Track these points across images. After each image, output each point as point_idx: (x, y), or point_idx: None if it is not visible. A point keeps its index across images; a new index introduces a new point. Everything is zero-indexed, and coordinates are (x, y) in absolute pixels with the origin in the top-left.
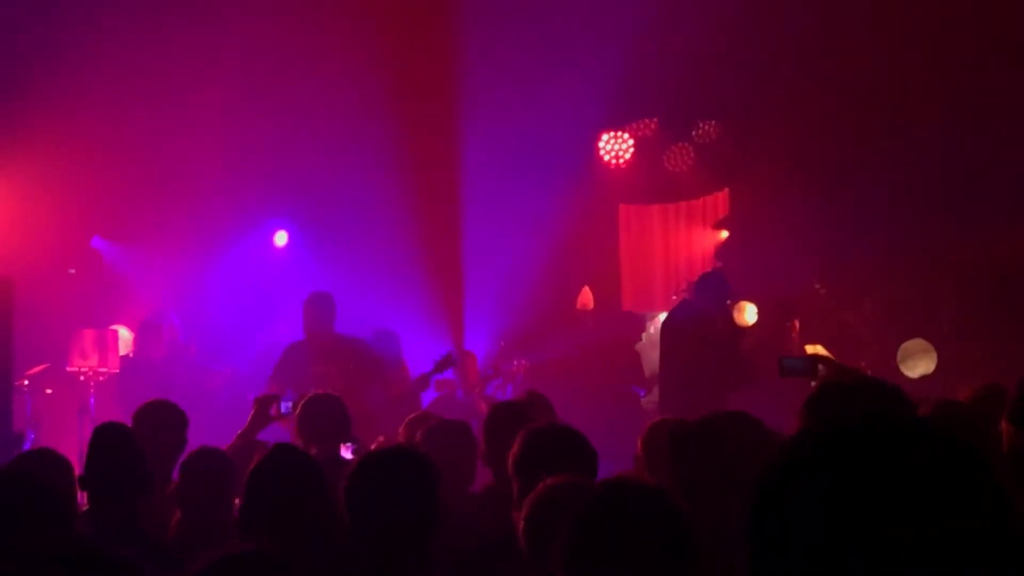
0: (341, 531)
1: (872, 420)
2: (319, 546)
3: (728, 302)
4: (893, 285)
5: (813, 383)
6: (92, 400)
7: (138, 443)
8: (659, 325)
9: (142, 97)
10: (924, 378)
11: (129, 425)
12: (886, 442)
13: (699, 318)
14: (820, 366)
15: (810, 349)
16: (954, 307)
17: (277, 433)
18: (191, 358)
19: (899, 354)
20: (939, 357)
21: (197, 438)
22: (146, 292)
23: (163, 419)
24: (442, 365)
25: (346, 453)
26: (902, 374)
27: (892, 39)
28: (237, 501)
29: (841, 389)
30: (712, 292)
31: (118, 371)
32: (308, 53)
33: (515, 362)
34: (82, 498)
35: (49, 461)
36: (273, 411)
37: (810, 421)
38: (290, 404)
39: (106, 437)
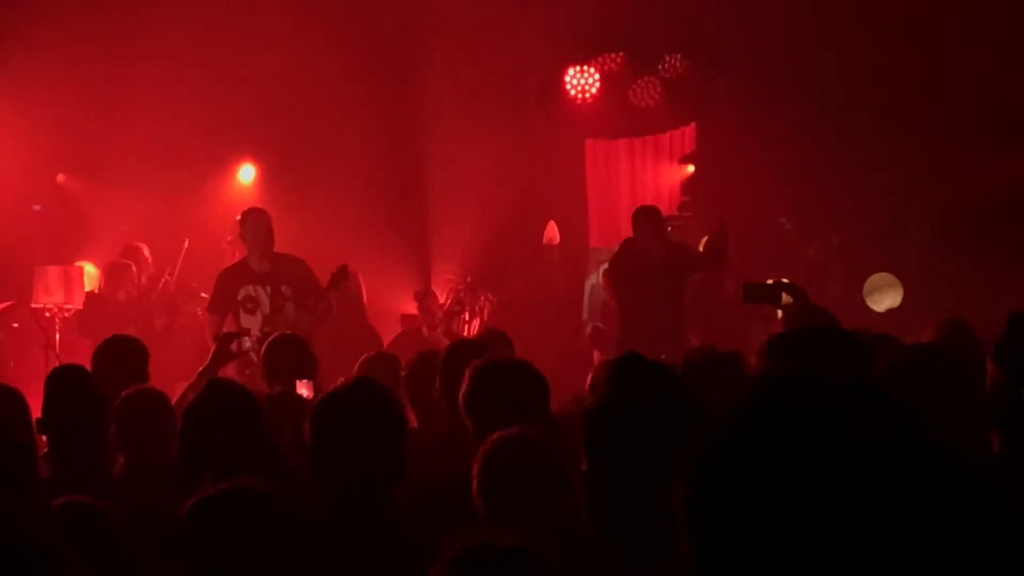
0: (282, 468)
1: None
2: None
3: (668, 231)
4: (861, 219)
5: (779, 311)
6: (58, 337)
7: (99, 381)
8: None
9: (108, 30)
10: (890, 312)
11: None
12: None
13: (639, 254)
14: (784, 294)
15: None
16: (923, 241)
17: None
18: (161, 295)
19: (865, 287)
20: (906, 291)
21: (165, 376)
22: (112, 229)
23: (122, 354)
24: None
25: (302, 390)
26: (868, 308)
27: None
28: None
29: (795, 338)
30: (649, 226)
31: (83, 307)
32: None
33: (481, 297)
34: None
35: (3, 397)
36: (235, 347)
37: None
38: (250, 341)
39: (62, 379)
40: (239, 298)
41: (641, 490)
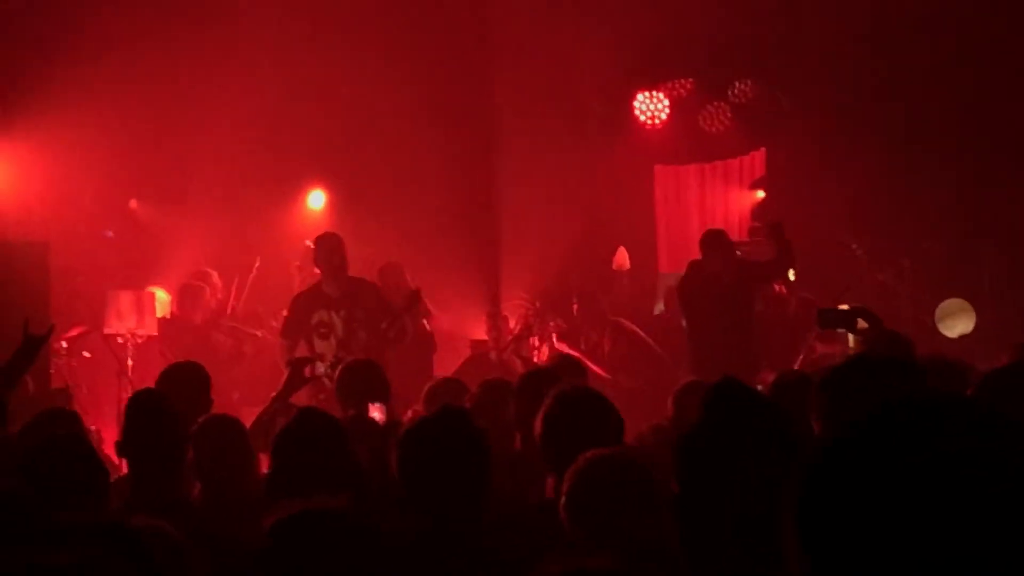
0: (369, 493)
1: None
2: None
3: (737, 256)
4: (932, 244)
5: (853, 337)
6: (130, 363)
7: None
8: None
9: (179, 57)
10: (963, 338)
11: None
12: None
13: (710, 276)
14: (860, 319)
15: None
16: (994, 266)
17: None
18: (231, 320)
19: (937, 313)
20: (978, 317)
21: (233, 401)
22: (183, 254)
23: (185, 379)
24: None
25: (375, 413)
26: (941, 333)
27: None
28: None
29: (865, 366)
30: (718, 250)
31: (156, 333)
32: (343, 21)
33: (550, 323)
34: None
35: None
36: (308, 372)
37: (835, 400)
38: (323, 366)
39: (141, 404)
40: (312, 323)
41: (734, 514)
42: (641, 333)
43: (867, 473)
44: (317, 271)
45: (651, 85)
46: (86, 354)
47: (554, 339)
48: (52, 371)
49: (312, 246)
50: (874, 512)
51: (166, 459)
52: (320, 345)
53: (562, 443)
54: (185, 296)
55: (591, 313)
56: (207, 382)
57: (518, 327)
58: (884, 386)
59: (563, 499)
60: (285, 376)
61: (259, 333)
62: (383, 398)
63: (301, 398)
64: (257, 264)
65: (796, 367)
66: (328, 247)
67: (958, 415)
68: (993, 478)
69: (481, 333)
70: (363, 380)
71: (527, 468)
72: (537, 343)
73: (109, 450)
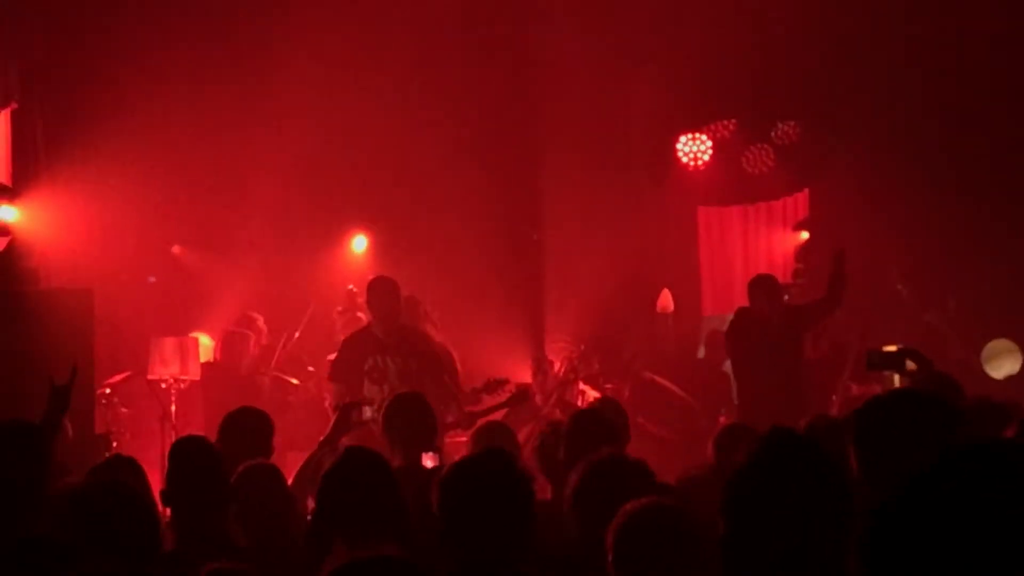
0: (412, 536)
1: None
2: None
3: (785, 299)
4: (978, 284)
5: (899, 378)
6: (174, 408)
7: (226, 450)
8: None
9: (220, 102)
10: (1010, 378)
11: (210, 434)
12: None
13: (758, 321)
14: (908, 360)
15: (892, 349)
16: None
17: None
18: (275, 369)
19: (984, 354)
20: None
21: (279, 446)
22: (226, 299)
23: (251, 426)
24: (517, 399)
25: (428, 462)
26: (987, 374)
27: (980, 33)
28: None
29: (894, 404)
30: (765, 294)
31: (200, 379)
32: (384, 63)
33: (595, 366)
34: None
35: (128, 470)
36: (355, 417)
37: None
38: (371, 409)
39: (186, 451)
40: (365, 367)
41: (780, 556)
42: (665, 383)
43: (937, 523)
44: (359, 315)
45: (694, 127)
46: (130, 400)
47: (580, 384)
48: (96, 417)
49: (355, 290)
50: (940, 561)
51: (211, 506)
52: (371, 390)
53: (595, 513)
54: (229, 343)
55: (609, 363)
56: (271, 429)
57: (562, 371)
58: (921, 422)
59: (610, 556)
60: (332, 420)
61: (296, 381)
62: (433, 443)
63: (349, 442)
64: (310, 310)
65: (833, 409)
66: (383, 291)
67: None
68: None
69: (524, 376)
70: (411, 424)
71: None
72: (582, 386)
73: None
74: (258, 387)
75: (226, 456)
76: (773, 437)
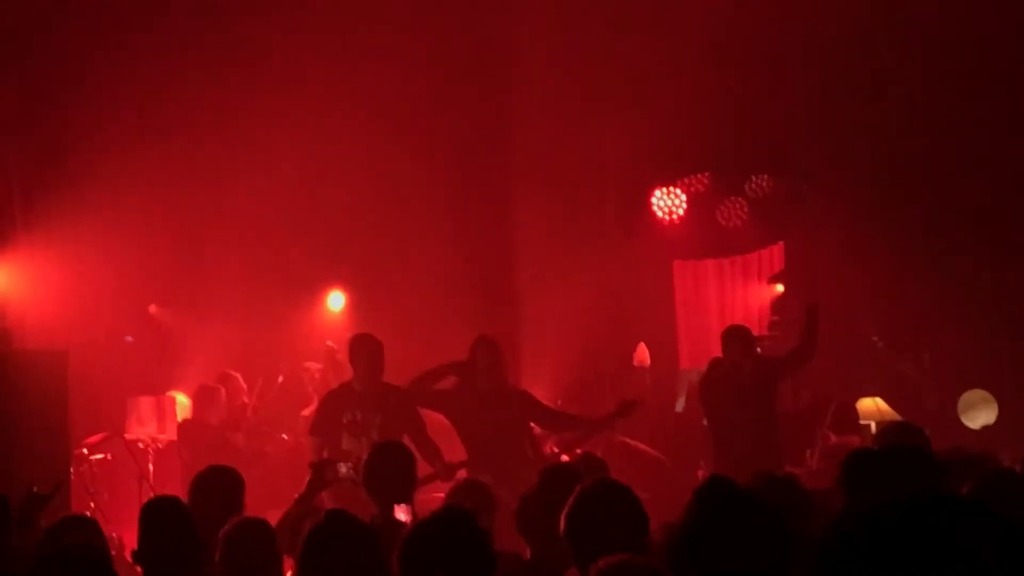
0: None
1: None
2: None
3: (758, 351)
4: (953, 335)
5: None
6: (151, 468)
7: (197, 510)
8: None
9: (196, 164)
10: (986, 428)
11: (186, 494)
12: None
13: (731, 372)
14: None
15: (869, 402)
16: (1016, 357)
17: None
18: (252, 421)
19: (960, 405)
20: (1001, 408)
21: (255, 502)
22: (203, 358)
23: (220, 484)
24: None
25: (400, 515)
26: (964, 424)
27: (950, 88)
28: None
29: (877, 458)
30: (739, 344)
31: (176, 437)
32: (359, 119)
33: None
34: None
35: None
36: (329, 475)
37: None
38: (346, 467)
39: (157, 511)
40: (344, 421)
41: None
42: (637, 444)
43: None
44: (338, 371)
45: (668, 181)
46: (108, 457)
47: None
48: (73, 477)
49: (333, 346)
50: None
51: (184, 566)
52: (350, 443)
53: (588, 539)
54: (200, 398)
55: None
56: (241, 485)
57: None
58: (897, 471)
59: None
60: (308, 478)
61: (285, 436)
62: (409, 496)
63: (326, 499)
64: (286, 368)
65: (813, 459)
66: (367, 348)
67: (951, 516)
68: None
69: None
70: (390, 475)
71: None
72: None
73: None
74: (231, 443)
75: (198, 516)
76: (707, 491)
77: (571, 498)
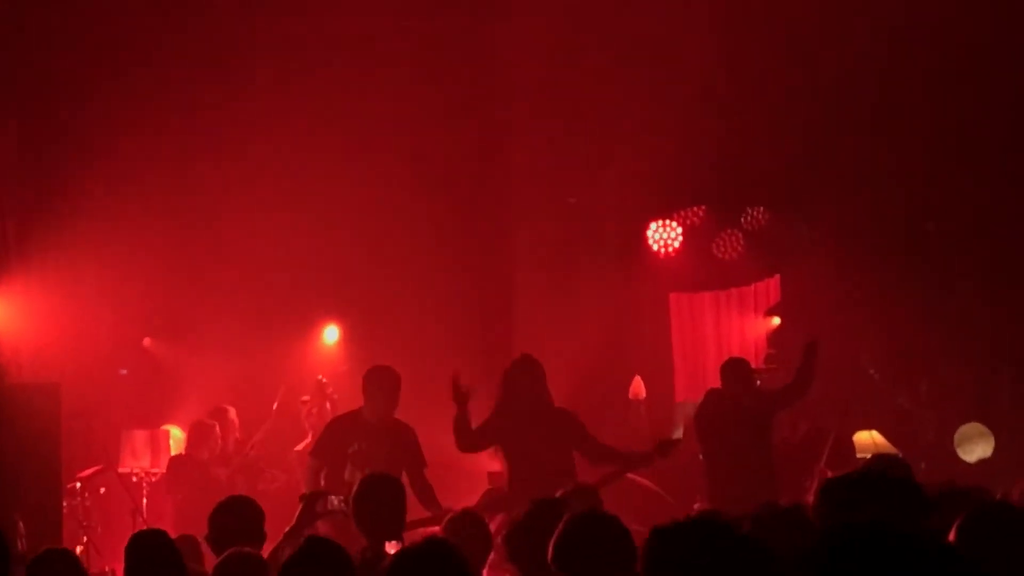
0: None
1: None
2: None
3: (757, 384)
4: (950, 368)
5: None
6: (145, 501)
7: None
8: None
9: (191, 198)
10: (982, 462)
11: (179, 525)
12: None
13: (730, 405)
14: None
15: (865, 435)
16: (1013, 390)
17: None
18: (250, 457)
19: (956, 438)
20: (997, 442)
21: None
22: (198, 391)
23: (240, 513)
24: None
25: (390, 550)
26: (960, 458)
27: (946, 121)
28: None
29: (850, 486)
30: (737, 377)
31: (167, 470)
32: (356, 152)
33: None
34: None
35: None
36: (320, 508)
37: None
38: (337, 499)
39: (143, 545)
40: (349, 451)
41: None
42: (635, 477)
43: None
44: (327, 406)
45: (664, 213)
46: (102, 490)
47: None
48: (66, 510)
49: (324, 380)
50: None
51: None
52: (354, 475)
53: (575, 568)
54: (193, 433)
55: None
56: (260, 514)
57: None
58: (888, 505)
59: None
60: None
61: (281, 475)
62: (398, 529)
63: (324, 531)
64: (279, 401)
65: (809, 494)
66: (389, 382)
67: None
68: None
69: (498, 465)
70: (380, 509)
71: None
72: None
73: None
74: (215, 478)
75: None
76: (698, 530)
77: (560, 527)
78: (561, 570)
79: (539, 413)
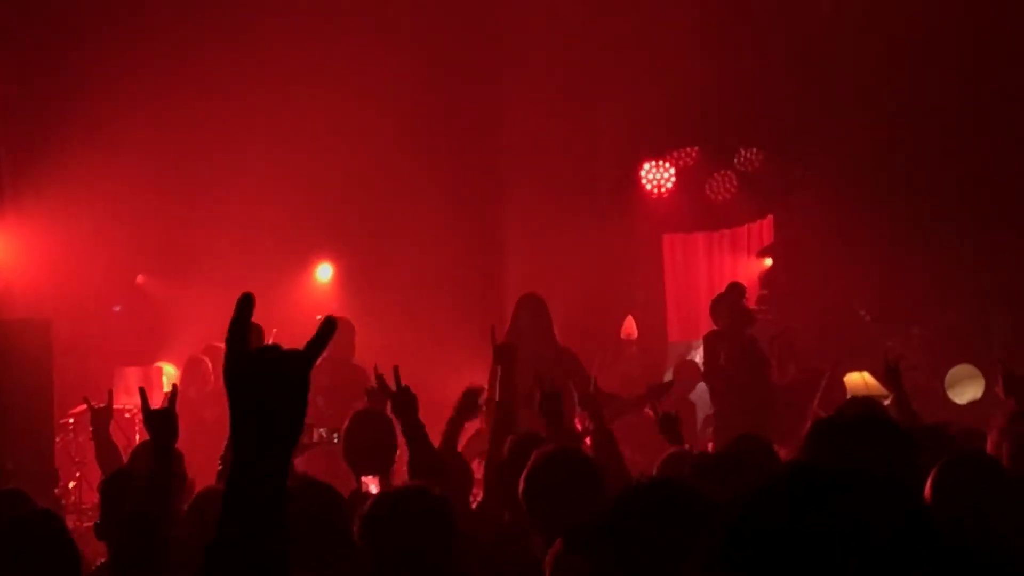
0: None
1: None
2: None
3: (745, 306)
4: (942, 310)
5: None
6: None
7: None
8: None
9: (187, 134)
10: (973, 404)
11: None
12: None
13: (726, 340)
14: None
15: (856, 376)
16: (1004, 332)
17: None
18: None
19: (947, 379)
20: (989, 383)
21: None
22: (191, 329)
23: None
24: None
25: (371, 486)
26: (951, 400)
27: (942, 66)
28: None
29: (836, 428)
30: (729, 311)
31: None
32: (351, 92)
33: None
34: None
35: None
36: (306, 439)
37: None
38: (323, 431)
39: (115, 486)
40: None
41: None
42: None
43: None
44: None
45: (657, 154)
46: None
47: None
48: (58, 446)
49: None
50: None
51: (145, 539)
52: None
53: (543, 503)
54: (186, 370)
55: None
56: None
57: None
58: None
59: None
60: None
61: None
62: (386, 467)
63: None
64: (275, 331)
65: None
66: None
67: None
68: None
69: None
70: (363, 446)
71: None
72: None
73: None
74: (200, 419)
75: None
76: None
77: (528, 464)
78: (529, 509)
79: (542, 352)
